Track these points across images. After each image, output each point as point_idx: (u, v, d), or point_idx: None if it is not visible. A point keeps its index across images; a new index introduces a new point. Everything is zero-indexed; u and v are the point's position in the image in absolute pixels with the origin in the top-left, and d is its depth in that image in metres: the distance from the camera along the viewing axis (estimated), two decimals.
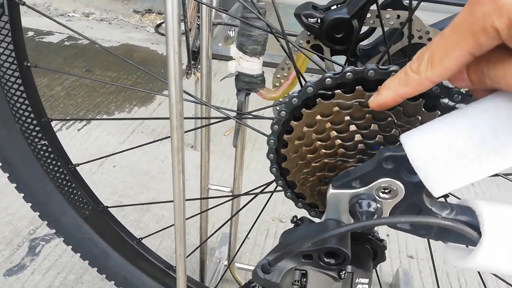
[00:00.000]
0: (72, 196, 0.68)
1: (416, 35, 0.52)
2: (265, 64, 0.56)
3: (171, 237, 1.14)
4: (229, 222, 0.74)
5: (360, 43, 0.56)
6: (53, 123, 1.46)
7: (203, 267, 0.82)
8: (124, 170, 1.36)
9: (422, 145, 0.35)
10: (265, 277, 0.40)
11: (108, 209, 0.73)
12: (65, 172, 0.66)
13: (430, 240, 1.19)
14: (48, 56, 2.02)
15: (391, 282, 1.09)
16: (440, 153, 0.34)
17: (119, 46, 2.22)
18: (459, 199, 0.44)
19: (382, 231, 1.15)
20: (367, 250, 0.54)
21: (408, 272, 1.07)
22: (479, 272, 0.80)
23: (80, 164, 0.67)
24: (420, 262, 1.15)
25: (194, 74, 1.33)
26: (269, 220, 1.23)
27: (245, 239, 0.73)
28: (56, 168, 0.64)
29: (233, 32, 2.29)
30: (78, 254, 0.73)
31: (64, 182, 0.66)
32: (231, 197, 0.64)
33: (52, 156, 0.61)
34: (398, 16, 0.51)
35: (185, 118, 0.48)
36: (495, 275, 0.69)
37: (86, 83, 1.81)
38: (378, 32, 0.57)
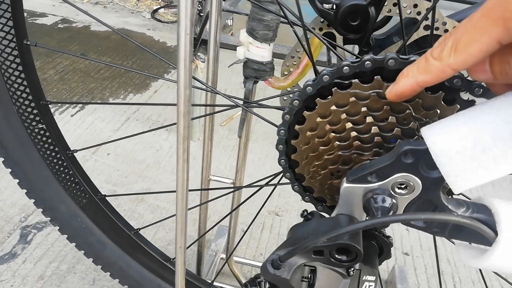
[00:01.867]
0: (69, 183, 0.66)
1: (434, 26, 0.50)
2: (274, 55, 0.54)
3: (166, 228, 1.12)
4: (229, 215, 0.72)
5: (374, 33, 0.54)
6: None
7: (200, 260, 0.80)
8: (119, 158, 1.34)
9: (445, 139, 0.34)
10: (275, 273, 0.39)
11: (106, 198, 0.70)
12: (62, 158, 0.63)
13: (425, 238, 1.19)
14: (41, 39, 1.97)
15: (387, 279, 1.09)
16: (465, 148, 0.33)
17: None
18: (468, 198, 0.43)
19: None
20: (373, 247, 0.53)
21: (404, 269, 1.07)
22: (480, 270, 0.80)
23: (79, 150, 0.65)
24: (415, 259, 1.15)
25: (193, 61, 1.30)
26: (265, 213, 1.22)
27: (244, 233, 0.71)
28: (53, 154, 0.61)
29: (231, 20, 2.26)
30: (73, 244, 0.71)
31: (62, 169, 0.64)
32: (233, 189, 0.63)
33: (49, 141, 0.58)
34: (416, 5, 0.49)
35: (192, 105, 0.46)
36: (500, 275, 0.68)
37: (80, 68, 1.77)
38: (392, 22, 0.55)
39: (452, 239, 0.41)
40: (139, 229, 0.72)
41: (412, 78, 0.33)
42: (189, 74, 0.43)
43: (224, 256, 0.98)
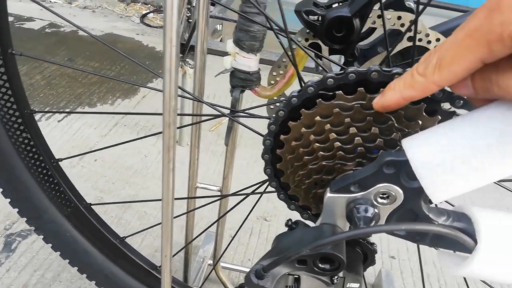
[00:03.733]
0: (54, 192, 0.65)
1: (417, 38, 0.51)
2: (262, 61, 0.55)
3: (153, 235, 1.11)
4: (215, 223, 0.72)
5: (359, 43, 0.55)
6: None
7: (187, 267, 0.80)
8: (106, 164, 1.33)
9: (426, 151, 0.34)
10: (258, 283, 0.39)
11: (91, 206, 0.70)
12: (47, 167, 0.63)
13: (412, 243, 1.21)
14: (28, 43, 1.95)
15: (374, 283, 1.10)
16: (444, 160, 0.33)
17: (102, 35, 2.16)
18: (452, 205, 0.44)
19: None
20: (357, 254, 0.54)
21: (390, 273, 1.08)
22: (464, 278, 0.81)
23: (64, 159, 0.64)
24: (401, 262, 1.16)
25: (181, 67, 1.30)
26: (253, 218, 1.22)
27: (231, 240, 0.71)
28: (38, 163, 0.61)
29: (221, 25, 2.26)
30: (58, 252, 0.70)
31: (46, 178, 0.63)
32: (220, 197, 0.63)
33: (34, 150, 0.58)
34: (399, 17, 0.50)
35: (178, 114, 0.46)
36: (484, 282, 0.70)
37: (68, 73, 1.76)
38: (376, 33, 0.56)
39: (434, 247, 0.42)
40: (125, 237, 0.72)
41: (398, 93, 0.34)
42: (175, 84, 0.43)
43: (211, 262, 0.98)
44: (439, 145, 0.34)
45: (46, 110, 1.50)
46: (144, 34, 2.25)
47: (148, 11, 2.55)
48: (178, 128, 0.45)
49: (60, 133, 1.41)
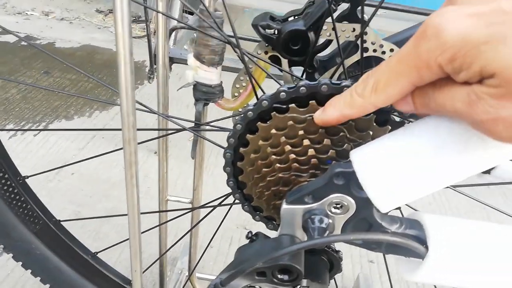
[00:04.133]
0: (21, 210, 0.64)
1: (371, 48, 0.52)
2: (227, 69, 0.55)
3: None
4: (189, 233, 0.72)
5: (318, 55, 0.57)
6: (8, 128, 1.38)
7: (163, 280, 0.80)
8: (83, 177, 1.32)
9: (370, 163, 0.35)
10: None
11: (61, 222, 0.69)
12: (13, 185, 0.62)
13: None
14: (3, 57, 1.93)
15: (352, 287, 1.11)
16: (387, 171, 0.35)
17: (80, 47, 2.15)
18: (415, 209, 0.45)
19: None
20: (323, 262, 0.54)
21: (369, 277, 1.09)
22: None
23: (30, 176, 0.64)
24: (380, 266, 1.18)
25: (156, 78, 1.30)
26: (233, 227, 1.22)
27: (205, 249, 0.72)
28: (3, 181, 0.60)
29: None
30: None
31: (13, 196, 0.63)
32: (189, 210, 0.63)
33: None
34: (354, 29, 0.52)
35: (138, 129, 0.46)
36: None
37: (44, 85, 1.74)
38: (335, 44, 0.57)
39: (390, 254, 0.43)
40: (97, 252, 0.71)
41: (338, 111, 0.36)
42: (132, 101, 0.44)
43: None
44: (384, 157, 0.35)
45: (5, 129, 1.48)
46: None
47: None
48: (139, 143, 0.45)
49: (36, 147, 1.40)
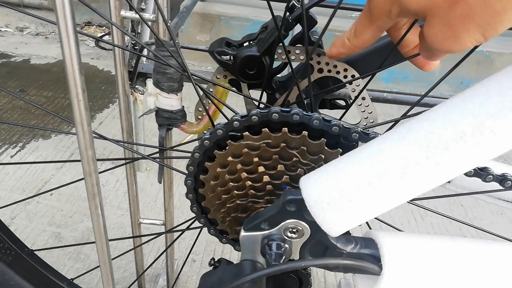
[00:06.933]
0: None
1: (325, 69, 0.54)
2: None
3: (114, 268, 1.10)
4: (164, 254, 0.72)
5: (276, 76, 0.58)
6: None
7: None
8: (62, 197, 1.31)
9: (317, 190, 0.36)
10: None
11: (34, 252, 0.69)
12: None
13: None
14: None
15: None
16: (333, 198, 0.36)
17: (56, 62, 2.13)
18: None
19: None
20: (292, 280, 0.55)
21: (350, 282, 1.11)
22: None
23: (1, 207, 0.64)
24: None
25: (131, 94, 1.30)
26: (215, 240, 1.23)
27: (181, 270, 0.72)
28: None
29: None
30: None
31: None
32: (158, 234, 0.64)
33: None
34: (306, 52, 0.53)
35: (98, 160, 0.47)
36: None
37: (20, 105, 1.72)
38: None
39: (350, 273, 0.44)
40: (72, 279, 0.71)
41: (336, 49, 0.44)
42: (90, 135, 0.44)
43: None
44: (328, 185, 0.36)
45: None
46: (99, 58, 2.23)
47: (103, 33, 2.53)
48: (102, 172, 0.46)
49: (13, 168, 1.38)
